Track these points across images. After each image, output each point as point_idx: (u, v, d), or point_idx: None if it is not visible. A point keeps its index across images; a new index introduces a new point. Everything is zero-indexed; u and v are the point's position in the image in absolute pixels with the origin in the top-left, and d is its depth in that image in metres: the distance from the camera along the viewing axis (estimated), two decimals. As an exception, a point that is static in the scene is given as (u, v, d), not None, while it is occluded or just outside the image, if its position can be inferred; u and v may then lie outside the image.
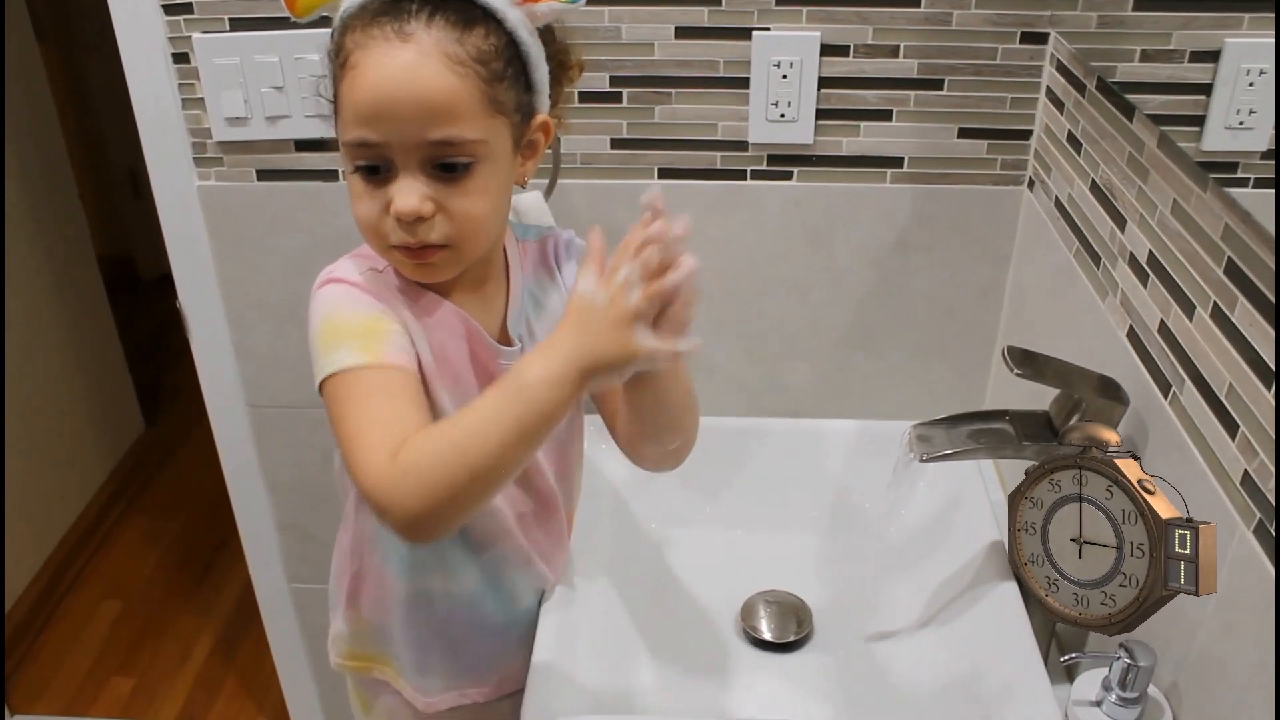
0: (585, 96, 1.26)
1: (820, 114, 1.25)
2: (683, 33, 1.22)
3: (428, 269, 0.87)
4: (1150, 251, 0.95)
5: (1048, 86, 1.22)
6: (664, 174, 1.29)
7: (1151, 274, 0.95)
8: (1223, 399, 0.82)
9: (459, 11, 0.80)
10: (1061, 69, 1.18)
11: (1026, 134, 1.26)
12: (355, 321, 0.86)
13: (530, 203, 1.23)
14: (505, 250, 0.96)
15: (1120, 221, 1.02)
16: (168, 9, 1.22)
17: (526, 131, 0.88)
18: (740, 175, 1.29)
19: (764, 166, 1.29)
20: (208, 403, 1.47)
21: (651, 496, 1.24)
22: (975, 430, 0.99)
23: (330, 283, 0.88)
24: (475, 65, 0.80)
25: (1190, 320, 0.88)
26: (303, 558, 1.61)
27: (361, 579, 1.04)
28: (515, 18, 0.83)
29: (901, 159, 1.28)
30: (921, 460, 0.96)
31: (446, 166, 0.82)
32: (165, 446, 2.76)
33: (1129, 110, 1.00)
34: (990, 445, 0.98)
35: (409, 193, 0.81)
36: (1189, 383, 0.87)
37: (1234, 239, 0.81)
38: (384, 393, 0.83)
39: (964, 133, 1.26)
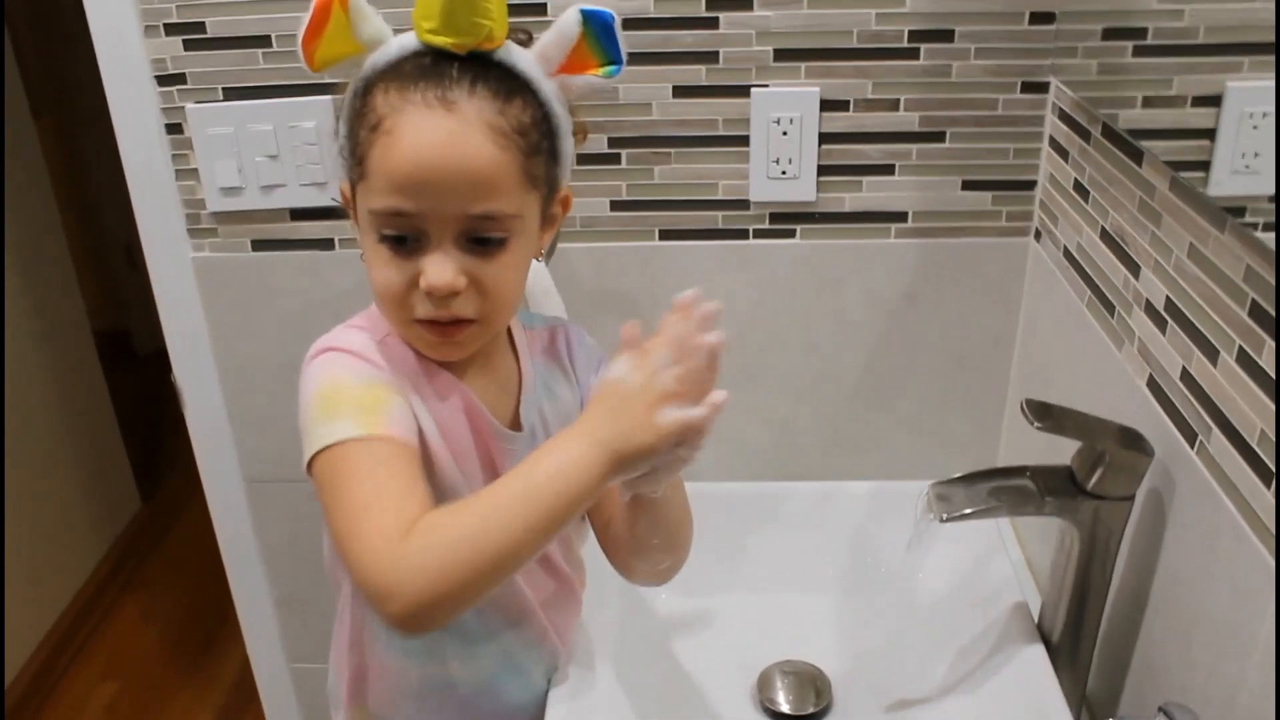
0: (584, 159, 1.24)
1: (822, 170, 1.24)
2: (681, 91, 1.21)
3: (453, 346, 0.84)
4: (1168, 297, 0.93)
5: (1050, 136, 1.21)
6: (665, 235, 1.28)
7: (1170, 320, 0.92)
8: (1254, 446, 0.79)
9: (500, 81, 0.78)
10: (1064, 117, 1.17)
11: (1031, 184, 1.24)
12: (353, 391, 0.81)
13: (532, 271, 1.21)
14: (512, 335, 0.94)
15: (1134, 268, 1.00)
16: (161, 79, 1.21)
17: (551, 204, 0.86)
18: (743, 234, 1.28)
19: (766, 225, 1.27)
20: (203, 476, 1.43)
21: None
22: (995, 488, 0.96)
23: (326, 351, 0.85)
24: (516, 137, 0.78)
25: (1214, 366, 0.85)
26: (302, 635, 1.56)
27: (364, 673, 0.98)
28: (550, 89, 0.81)
29: (906, 213, 1.26)
30: (942, 520, 0.93)
31: (481, 241, 0.79)
32: (162, 521, 2.72)
33: (1137, 155, 0.99)
34: (1011, 503, 0.95)
35: (444, 267, 0.78)
36: (1216, 430, 0.85)
37: (1257, 280, 0.78)
38: (387, 468, 0.78)
39: (968, 185, 1.25)
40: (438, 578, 0.71)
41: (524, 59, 0.80)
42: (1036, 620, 1.03)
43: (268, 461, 1.42)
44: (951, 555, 1.15)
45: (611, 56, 0.83)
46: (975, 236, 1.27)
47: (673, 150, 1.24)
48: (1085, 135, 1.11)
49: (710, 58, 1.19)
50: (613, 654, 1.07)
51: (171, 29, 1.19)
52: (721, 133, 1.23)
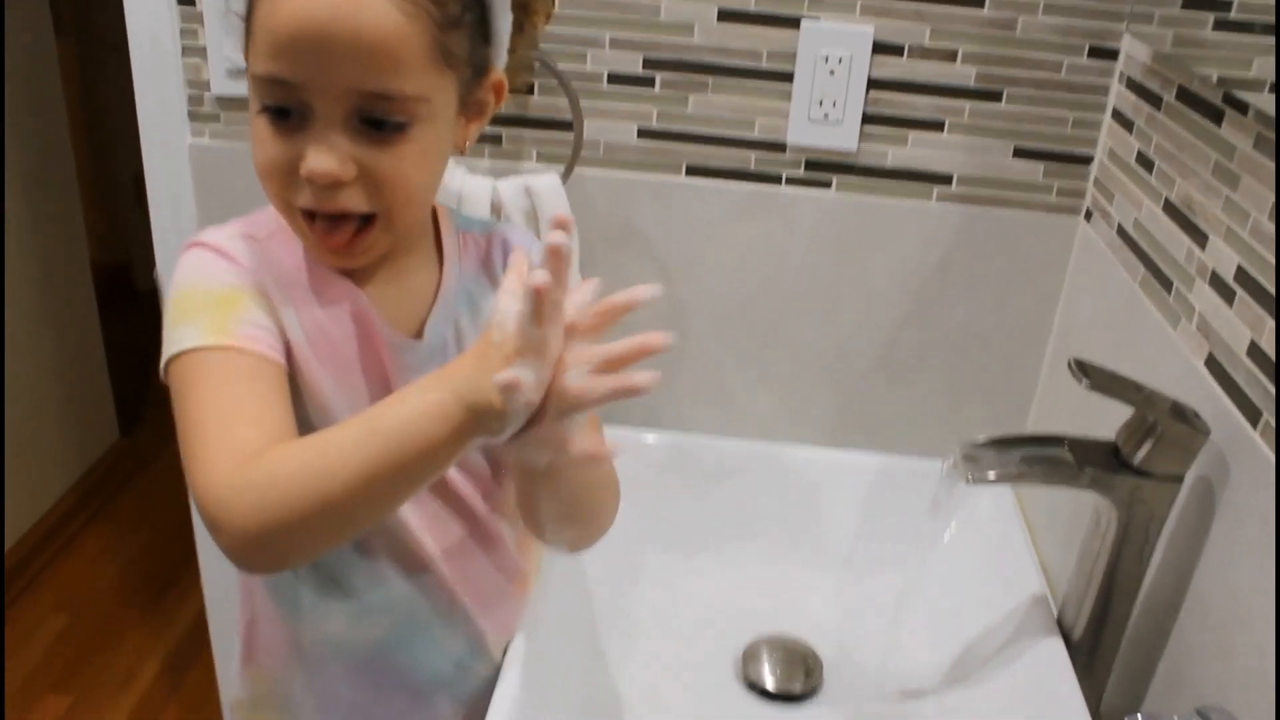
0: (614, 79, 1.16)
1: (866, 119, 1.16)
2: (726, 15, 1.13)
3: (344, 252, 0.73)
4: (1239, 266, 0.85)
5: (1115, 107, 1.12)
6: (691, 170, 1.19)
7: (1240, 289, 0.84)
8: (1335, 419, 0.70)
9: None
10: (1132, 85, 1.08)
11: (1087, 159, 1.16)
12: (206, 294, 0.72)
13: (546, 185, 1.13)
14: (440, 236, 0.82)
15: (1200, 239, 0.91)
16: (174, -55, 1.14)
17: (477, 90, 0.74)
18: (775, 179, 1.19)
19: (801, 173, 1.19)
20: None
21: (640, 527, 1.11)
22: (1029, 455, 0.87)
23: (192, 247, 0.75)
24: (427, 5, 0.67)
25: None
26: (262, 570, 1.47)
27: (256, 628, 0.87)
28: None
29: (950, 176, 1.18)
30: (968, 482, 0.84)
31: (376, 123, 0.68)
32: (138, 458, 2.63)
33: (1217, 115, 0.90)
34: (1045, 472, 0.86)
35: (327, 151, 0.67)
36: (1286, 406, 0.76)
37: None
38: (232, 385, 0.69)
39: (1020, 152, 1.16)
40: (265, 514, 0.63)
41: None
42: (1056, 615, 0.94)
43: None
44: (963, 542, 1.06)
45: None
46: (1022, 209, 1.18)
47: (710, 79, 1.16)
48: (1156, 102, 1.03)
49: (761, -18, 1.11)
50: (578, 620, 0.97)
51: (190, -110, 1.11)
52: (765, 65, 1.15)
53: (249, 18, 0.69)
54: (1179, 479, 0.83)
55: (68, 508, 2.44)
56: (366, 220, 0.71)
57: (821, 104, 1.15)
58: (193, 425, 0.68)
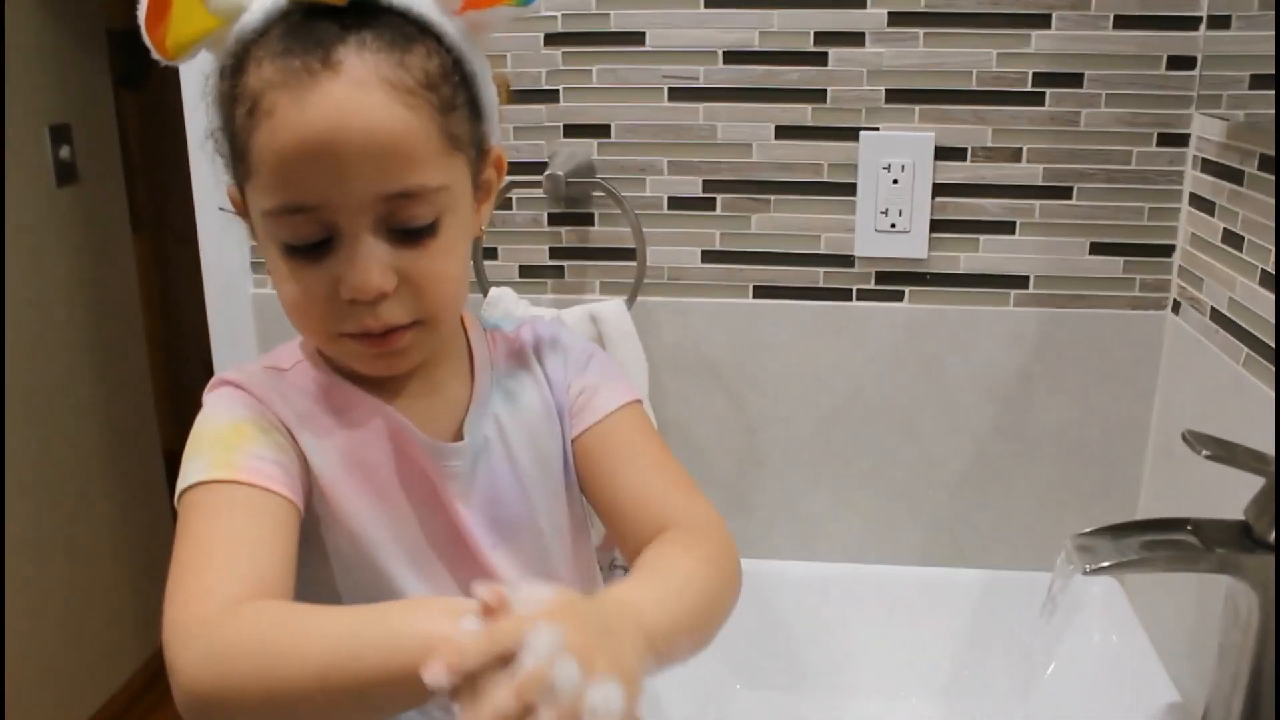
0: (675, 203, 1.16)
1: (935, 225, 1.14)
2: (784, 132, 1.13)
3: (395, 358, 0.69)
4: (1357, 323, 0.79)
5: (1191, 193, 1.09)
6: (759, 292, 1.17)
7: (1363, 347, 0.78)
8: None
9: (394, 29, 0.64)
10: (1208, 167, 1.05)
11: (1169, 249, 1.12)
12: (215, 429, 0.69)
13: (611, 311, 1.11)
14: (469, 337, 0.79)
15: (1307, 304, 0.86)
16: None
17: (483, 169, 0.72)
18: (846, 295, 1.17)
19: (872, 285, 1.16)
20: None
21: (726, 651, 1.04)
22: (1149, 540, 0.80)
23: (214, 387, 0.72)
24: (425, 93, 0.64)
25: None
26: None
27: None
28: (456, 30, 0.67)
29: (1026, 278, 1.14)
30: (1085, 573, 0.77)
31: (406, 230, 0.65)
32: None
33: (1308, 176, 0.87)
34: (1170, 556, 0.79)
35: (365, 267, 0.63)
36: None
37: None
38: (230, 518, 0.64)
39: (1096, 248, 1.13)
40: (214, 680, 0.56)
41: (419, 2, 0.66)
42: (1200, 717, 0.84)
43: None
44: (1080, 653, 0.98)
45: None
46: (1104, 308, 1.14)
47: (772, 197, 1.15)
48: (1237, 177, 0.99)
49: (817, 96, 1.12)
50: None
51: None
52: (826, 179, 1.14)
53: (241, 153, 0.65)
54: (1323, 555, 0.75)
55: (138, 688, 2.39)
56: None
57: (887, 213, 1.13)
58: (179, 559, 0.63)
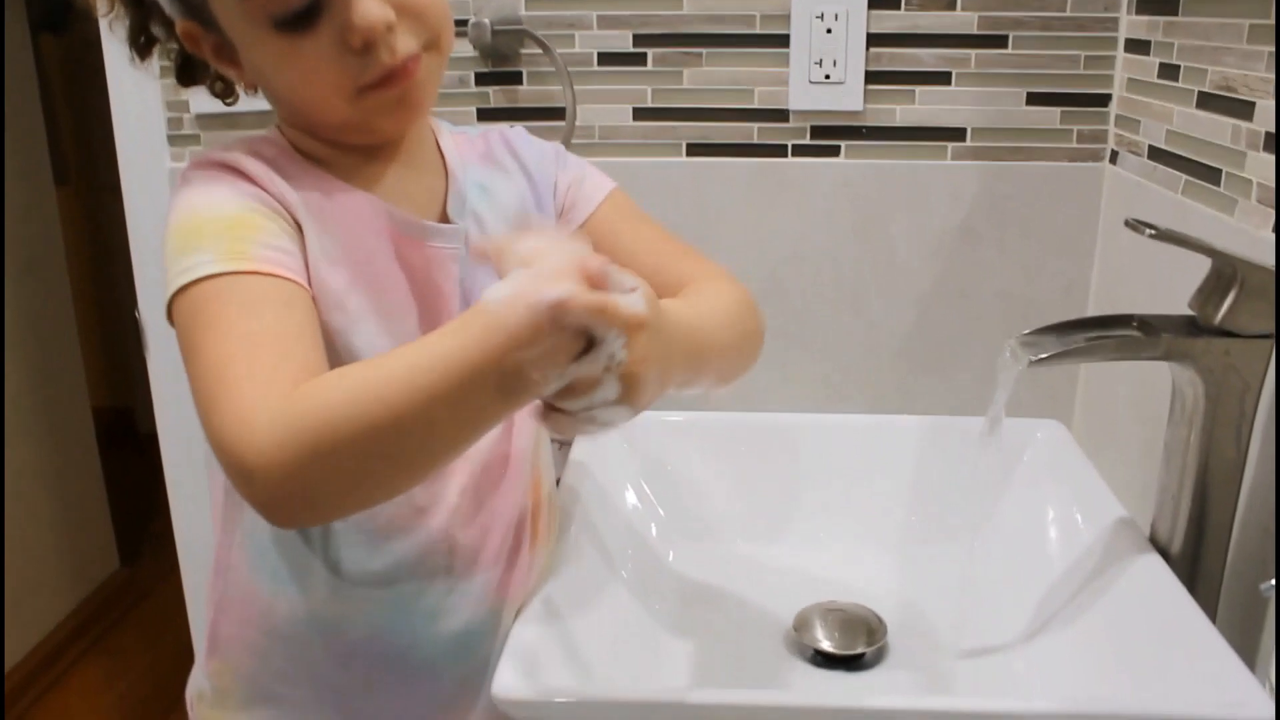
0: (605, 59, 1.12)
1: (870, 77, 1.11)
2: (715, -20, 1.10)
3: (415, 93, 0.67)
4: (1296, 112, 0.78)
5: (1127, 38, 1.08)
6: (693, 150, 1.14)
7: (1302, 133, 0.77)
8: None
9: None
10: (1143, 7, 1.04)
11: (1105, 99, 1.11)
12: (215, 217, 0.64)
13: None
14: (436, 132, 0.77)
15: (1246, 110, 0.85)
16: (150, -41, 1.12)
17: None
18: (781, 151, 1.14)
19: (807, 140, 1.13)
20: (162, 440, 1.26)
21: (670, 501, 1.01)
22: (1095, 335, 0.78)
23: (196, 168, 0.67)
24: None
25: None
26: None
27: (224, 611, 0.76)
28: None
29: (964, 130, 1.12)
30: (1030, 363, 0.75)
31: None
32: (138, 590, 2.50)
33: (1244, -20, 0.85)
34: (1116, 345, 0.77)
35: (365, 6, 0.62)
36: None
37: None
38: (259, 312, 0.61)
39: (1033, 98, 1.11)
40: (307, 449, 0.53)
41: None
42: (1148, 534, 0.83)
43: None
44: (1025, 484, 0.96)
45: None
46: (1043, 159, 1.12)
47: (704, 50, 1.12)
48: (1172, 7, 0.98)
49: (748, -56, 1.09)
50: (598, 584, 0.85)
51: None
52: (759, 30, 1.11)
53: None
54: (1269, 336, 0.74)
55: (64, 636, 2.31)
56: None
57: (821, 64, 1.10)
58: (211, 363, 0.58)
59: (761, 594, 0.93)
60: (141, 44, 0.73)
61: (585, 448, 0.98)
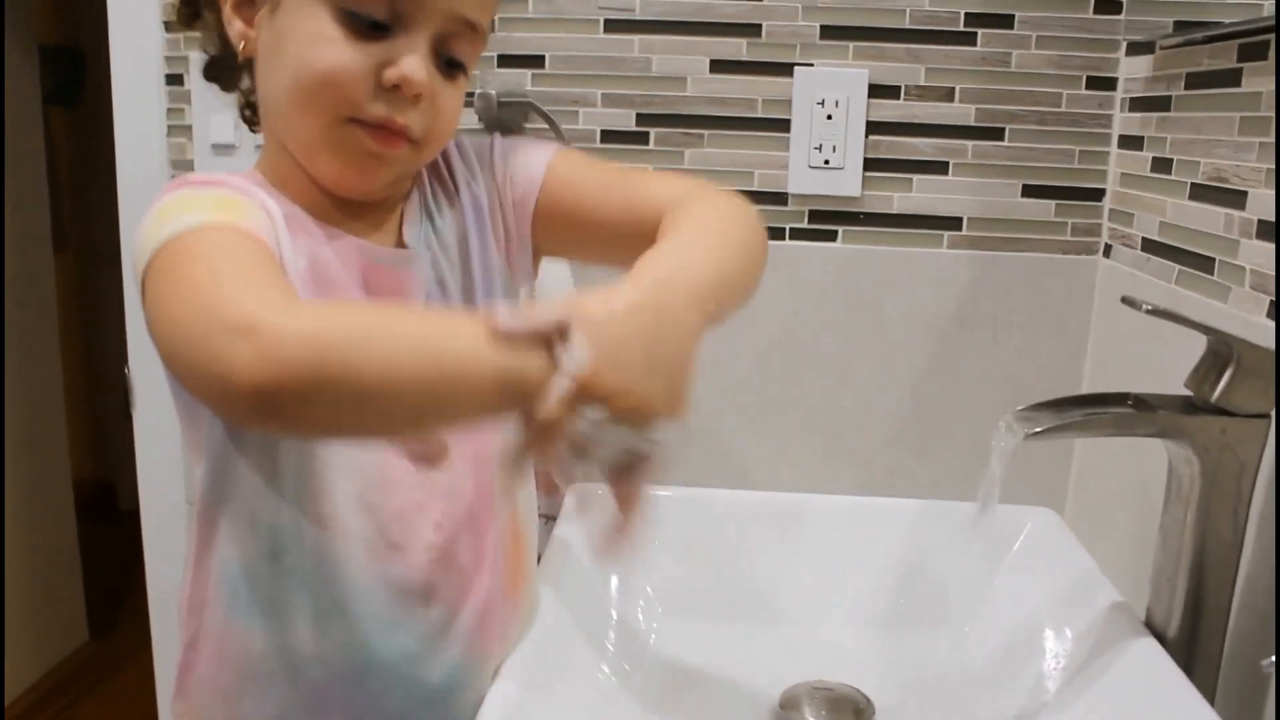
0: (608, 136, 1.14)
1: (868, 164, 1.13)
2: (718, 66, 1.12)
3: (381, 166, 0.68)
4: (1288, 199, 0.79)
5: (1120, 134, 1.10)
6: (692, 230, 1.15)
7: (1294, 219, 0.78)
8: None
9: None
10: (1136, 104, 1.07)
11: (1099, 193, 1.13)
12: (202, 197, 0.64)
13: (555, 273, 1.07)
14: None
15: (1239, 200, 0.86)
16: (169, 24, 1.14)
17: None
18: (779, 234, 1.15)
19: (805, 224, 1.15)
20: (141, 495, 1.24)
21: (656, 576, 0.99)
22: (1091, 411, 0.77)
23: (177, 183, 0.67)
24: None
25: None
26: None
27: (197, 646, 0.73)
28: None
29: (960, 219, 1.14)
30: (1025, 437, 0.74)
31: (449, 61, 0.67)
32: (108, 663, 2.44)
33: (1235, 76, 0.88)
34: (1112, 421, 0.76)
35: (423, 62, 0.65)
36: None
37: None
38: (251, 253, 0.59)
39: (1029, 190, 1.13)
40: (309, 340, 0.52)
41: None
42: (1144, 618, 0.81)
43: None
44: (1020, 568, 0.94)
45: None
46: (1037, 251, 1.14)
47: (706, 132, 1.14)
48: (1165, 104, 1.00)
49: (752, 30, 1.11)
50: (582, 661, 0.83)
51: (187, -32, 1.13)
52: (760, 115, 1.13)
53: None
54: (1265, 415, 0.73)
55: (28, 706, 2.24)
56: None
57: (820, 149, 1.12)
58: (193, 275, 0.57)
59: (748, 672, 0.91)
60: (187, 14, 0.74)
61: (570, 525, 0.97)
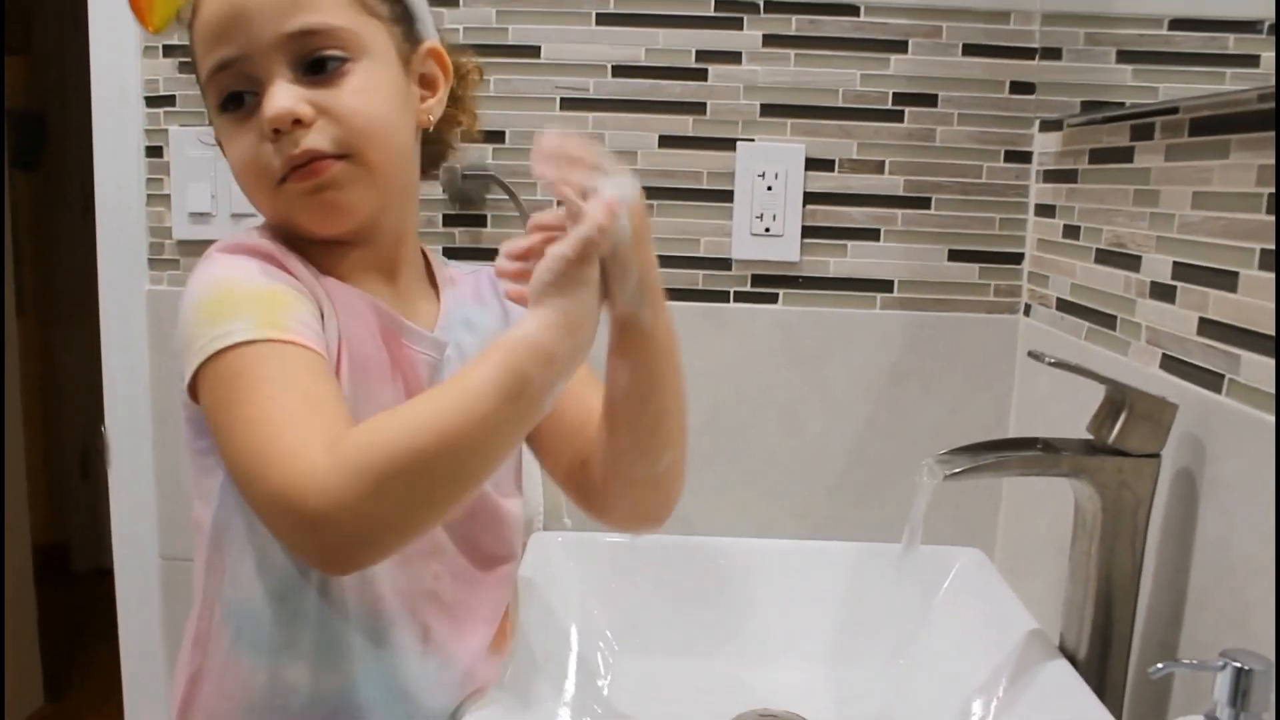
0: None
1: (806, 231, 1.22)
2: (666, 142, 1.21)
3: (330, 195, 0.71)
4: (1174, 263, 0.88)
5: (1036, 203, 1.20)
6: (644, 292, 1.23)
7: (1180, 283, 0.87)
8: (1292, 329, 0.71)
9: None
10: (1049, 176, 1.17)
11: (1018, 257, 1.22)
12: (248, 291, 0.69)
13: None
14: (426, 256, 0.84)
15: (1134, 263, 0.95)
16: (150, 100, 1.21)
17: (413, 53, 0.77)
18: (724, 297, 1.23)
19: (748, 288, 1.23)
20: (115, 553, 1.28)
21: (612, 617, 1.05)
22: (1004, 454, 0.85)
23: (220, 254, 0.71)
24: None
25: (1236, 290, 0.79)
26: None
27: (200, 679, 0.77)
28: None
29: (891, 282, 1.23)
30: (945, 478, 0.82)
31: (317, 64, 0.70)
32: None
33: (1128, 154, 0.98)
34: (1022, 463, 0.84)
35: (278, 94, 0.69)
36: (1246, 353, 0.77)
37: (1269, 175, 0.75)
38: (299, 376, 0.65)
39: (954, 255, 1.22)
40: (368, 484, 0.59)
41: None
42: (1058, 643, 0.89)
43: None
44: (951, 606, 1.01)
45: None
46: (963, 311, 1.23)
47: (656, 202, 1.22)
48: (1073, 176, 1.10)
49: (697, 109, 1.21)
50: (547, 693, 0.89)
51: (170, 50, 1.20)
52: (705, 186, 1.22)
53: (193, 62, 0.74)
54: (1156, 456, 0.82)
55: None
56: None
57: (761, 218, 1.21)
58: (258, 421, 0.63)
59: (698, 703, 0.97)
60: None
61: (533, 564, 1.03)
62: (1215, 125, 0.84)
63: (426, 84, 0.79)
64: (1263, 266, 0.76)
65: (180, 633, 1.24)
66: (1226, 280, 0.80)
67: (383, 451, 0.59)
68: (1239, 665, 0.67)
